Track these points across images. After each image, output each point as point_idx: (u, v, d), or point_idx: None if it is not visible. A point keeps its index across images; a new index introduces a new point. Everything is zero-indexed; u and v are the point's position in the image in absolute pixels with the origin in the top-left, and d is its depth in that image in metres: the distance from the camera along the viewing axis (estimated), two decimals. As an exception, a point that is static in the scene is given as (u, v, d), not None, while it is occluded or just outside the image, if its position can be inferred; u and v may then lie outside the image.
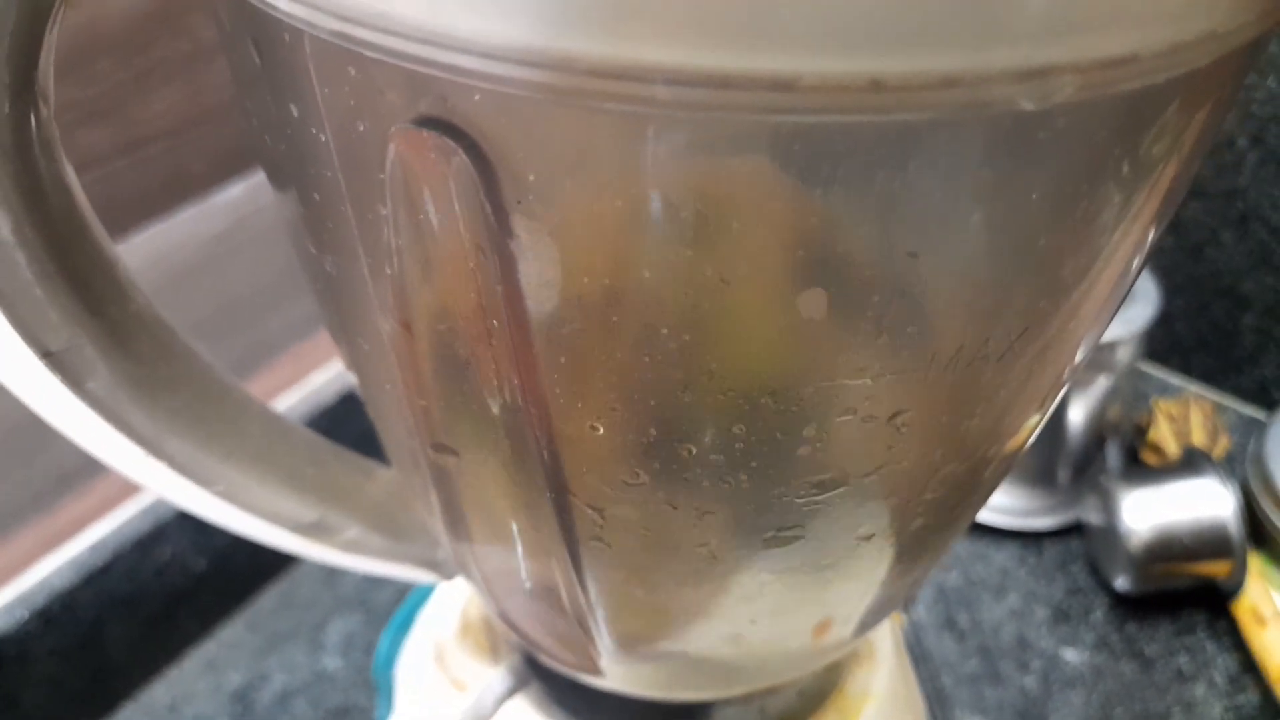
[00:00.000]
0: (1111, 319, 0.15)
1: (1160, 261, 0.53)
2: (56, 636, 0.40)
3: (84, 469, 0.42)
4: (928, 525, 0.17)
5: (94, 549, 0.41)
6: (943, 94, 0.10)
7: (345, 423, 0.44)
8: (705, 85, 0.10)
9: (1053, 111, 0.10)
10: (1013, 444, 0.16)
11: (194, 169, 0.42)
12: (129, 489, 0.43)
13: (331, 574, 0.47)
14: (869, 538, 0.16)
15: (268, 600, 0.47)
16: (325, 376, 0.49)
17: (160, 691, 0.43)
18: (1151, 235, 0.14)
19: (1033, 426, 0.16)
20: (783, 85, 0.09)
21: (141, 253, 0.42)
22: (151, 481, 0.18)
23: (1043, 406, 0.16)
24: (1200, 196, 0.51)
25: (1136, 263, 0.14)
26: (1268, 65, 0.47)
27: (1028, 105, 0.10)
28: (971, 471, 0.16)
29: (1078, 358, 0.15)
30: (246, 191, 0.44)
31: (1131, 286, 0.15)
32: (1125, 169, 0.12)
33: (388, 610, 0.46)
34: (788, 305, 0.12)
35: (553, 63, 0.10)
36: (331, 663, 0.44)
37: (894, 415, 0.13)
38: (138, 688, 0.43)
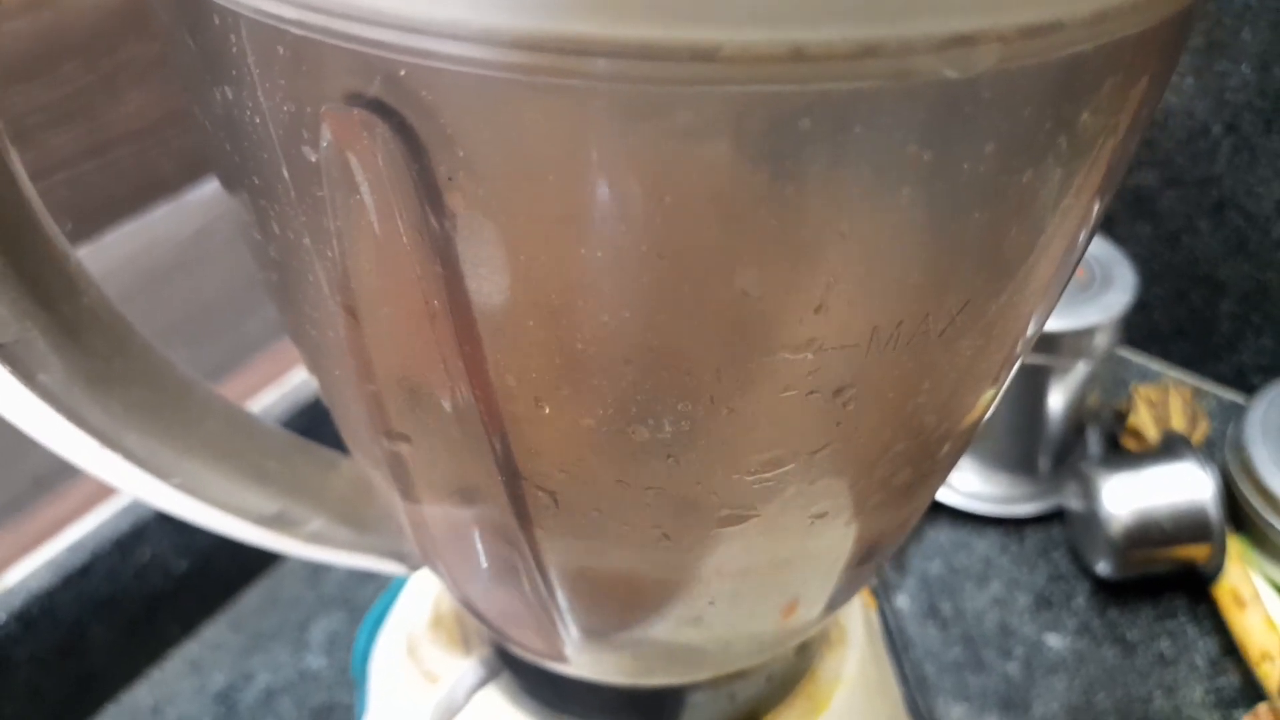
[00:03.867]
0: (1059, 296, 0.16)
1: (1138, 249, 0.53)
2: (36, 640, 0.40)
3: (61, 470, 0.42)
4: (884, 503, 0.17)
5: (72, 550, 0.41)
6: (865, 63, 0.10)
7: (323, 420, 0.44)
8: (628, 57, 0.10)
9: (978, 81, 0.10)
10: (967, 420, 0.16)
11: (164, 170, 0.42)
12: (107, 490, 0.43)
13: (315, 572, 0.47)
14: (823, 516, 0.16)
15: (250, 600, 0.47)
16: (302, 375, 0.49)
17: (143, 693, 0.42)
18: (1095, 209, 0.14)
19: (986, 403, 0.16)
20: (704, 55, 0.09)
21: (113, 254, 0.41)
22: (108, 474, 0.18)
23: (996, 382, 0.16)
24: (1176, 184, 0.52)
25: (1082, 237, 0.14)
26: (1240, 52, 0.47)
27: (951, 74, 0.10)
28: (925, 448, 0.16)
29: (1028, 332, 0.15)
30: (218, 191, 0.43)
31: (1079, 261, 0.15)
32: (1060, 142, 0.12)
33: (370, 607, 0.46)
34: (725, 280, 0.12)
35: (473, 35, 0.10)
36: (315, 661, 0.44)
37: (838, 391, 0.13)
38: (120, 690, 0.43)
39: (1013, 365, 0.16)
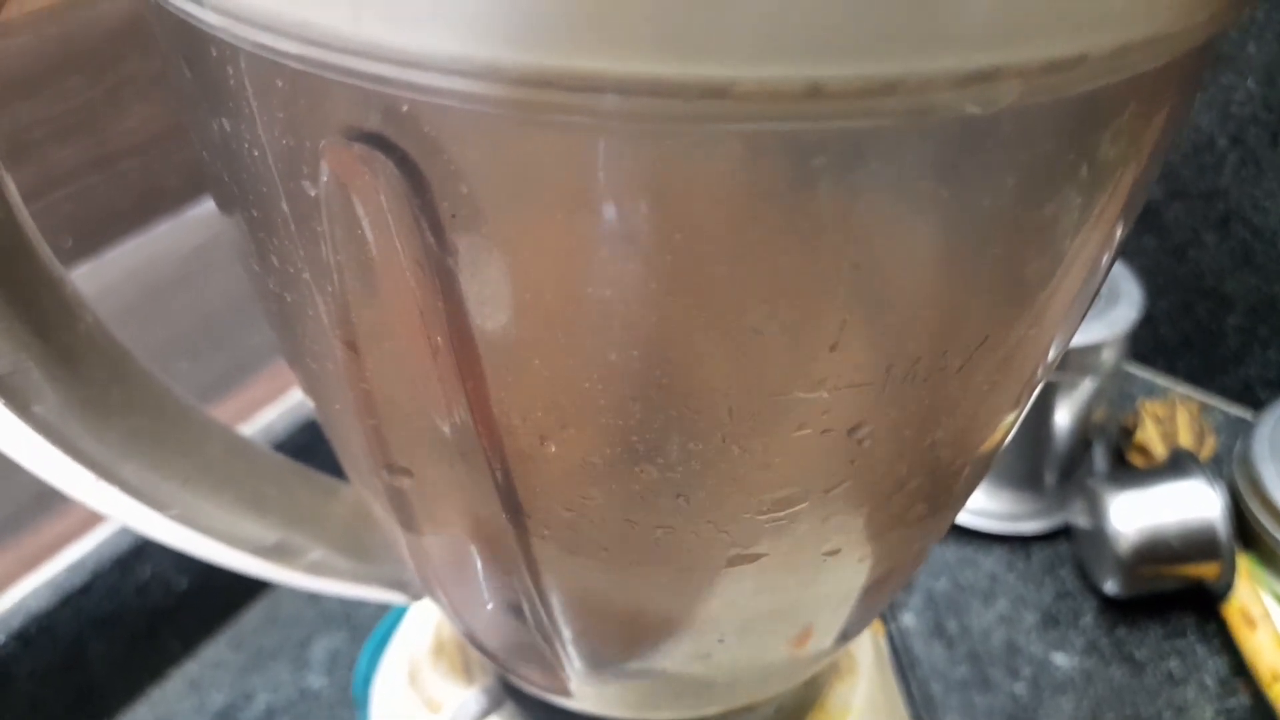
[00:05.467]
0: (1080, 323, 0.15)
1: (1143, 263, 0.53)
2: (36, 659, 0.39)
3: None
4: (899, 538, 0.16)
5: (72, 569, 0.41)
6: (884, 100, 0.09)
7: (326, 438, 0.44)
8: (637, 94, 0.09)
9: (1000, 117, 0.10)
10: (983, 451, 0.16)
11: (168, 184, 0.42)
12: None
13: (315, 591, 0.47)
14: (836, 553, 0.15)
15: (251, 618, 0.46)
16: (305, 391, 0.48)
17: (143, 712, 0.42)
18: (1116, 238, 0.13)
19: (1004, 433, 0.16)
20: (717, 92, 0.09)
21: (116, 269, 0.41)
22: (103, 506, 0.18)
23: (1015, 410, 0.15)
24: (1182, 197, 0.51)
25: (1102, 265, 0.14)
26: (1246, 65, 0.47)
27: (973, 110, 0.10)
28: (941, 482, 0.15)
29: (1048, 360, 0.15)
30: (220, 206, 0.43)
31: (1098, 291, 0.15)
32: (1081, 174, 0.11)
33: (373, 627, 0.45)
34: (736, 318, 0.11)
35: (477, 71, 0.09)
36: (316, 681, 0.43)
37: (854, 429, 0.13)
38: (120, 709, 0.42)
39: (1032, 393, 0.16)
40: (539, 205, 0.10)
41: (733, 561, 0.15)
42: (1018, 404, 0.15)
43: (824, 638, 0.19)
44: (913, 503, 0.15)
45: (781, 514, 0.14)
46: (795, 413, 0.12)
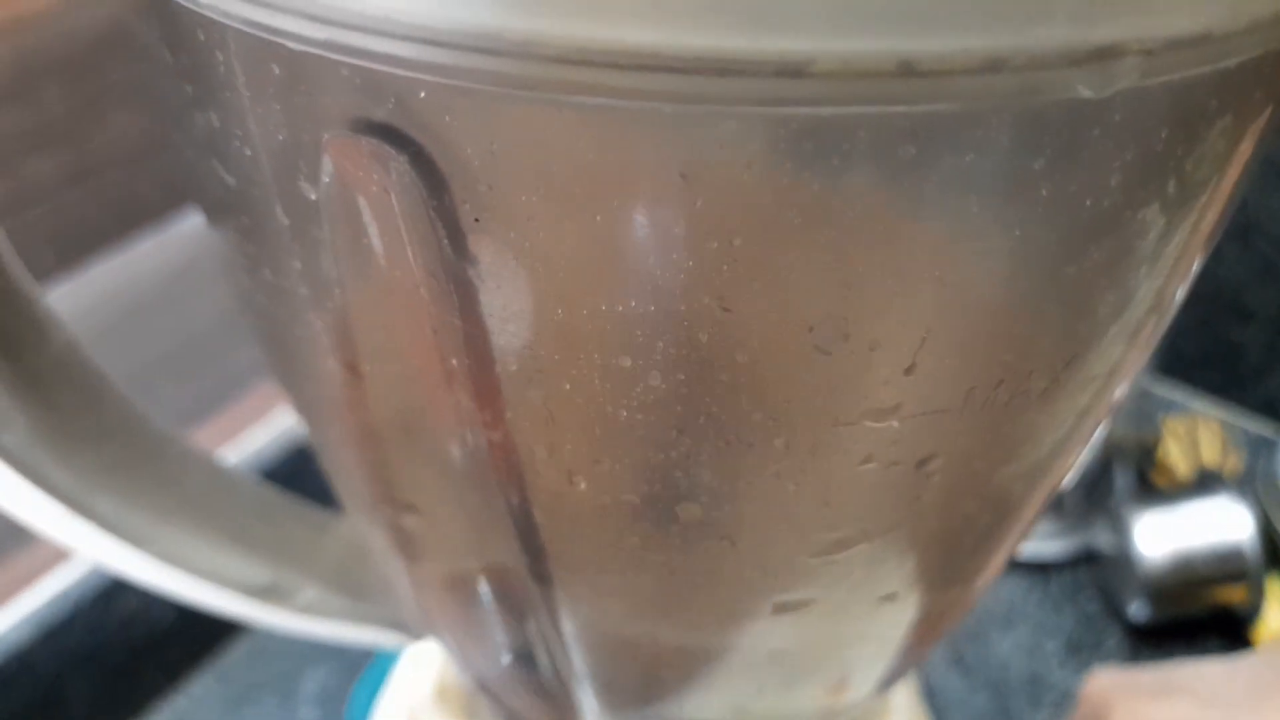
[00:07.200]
0: (1157, 341, 0.14)
1: (1158, 276, 0.52)
2: (14, 696, 0.38)
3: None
4: (959, 579, 0.15)
5: (52, 603, 0.39)
6: (986, 79, 0.08)
7: (316, 462, 0.42)
8: (696, 72, 0.08)
9: (1111, 102, 0.09)
10: (1053, 486, 0.14)
11: (150, 198, 0.41)
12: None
13: (306, 621, 0.45)
14: (892, 597, 0.14)
15: (238, 650, 0.45)
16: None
17: (125, 751, 0.40)
18: (1207, 249, 0.12)
19: (1072, 466, 0.14)
20: (792, 70, 0.08)
21: (96, 287, 0.40)
22: (76, 543, 0.16)
23: (1089, 440, 0.14)
24: (1196, 209, 0.50)
25: (1194, 272, 0.12)
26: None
27: (1086, 92, 0.08)
28: (1008, 519, 0.14)
29: (1126, 385, 0.13)
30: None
31: (1183, 301, 0.13)
32: (1188, 170, 0.10)
33: (367, 659, 0.44)
34: (800, 337, 0.10)
35: (510, 48, 0.08)
36: (308, 715, 0.42)
37: (923, 461, 0.11)
38: (101, 748, 0.40)
39: (1101, 424, 0.14)
40: (575, 206, 0.09)
41: (779, 609, 0.13)
42: (1090, 436, 0.14)
43: (865, 684, 0.18)
44: (978, 542, 0.14)
45: (837, 556, 0.13)
46: (860, 444, 0.11)
